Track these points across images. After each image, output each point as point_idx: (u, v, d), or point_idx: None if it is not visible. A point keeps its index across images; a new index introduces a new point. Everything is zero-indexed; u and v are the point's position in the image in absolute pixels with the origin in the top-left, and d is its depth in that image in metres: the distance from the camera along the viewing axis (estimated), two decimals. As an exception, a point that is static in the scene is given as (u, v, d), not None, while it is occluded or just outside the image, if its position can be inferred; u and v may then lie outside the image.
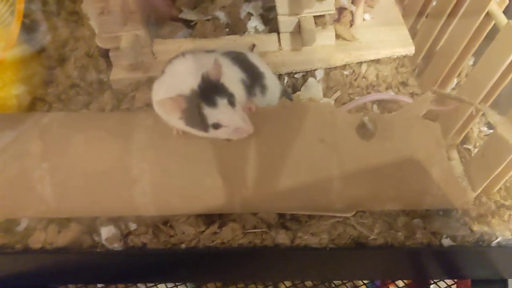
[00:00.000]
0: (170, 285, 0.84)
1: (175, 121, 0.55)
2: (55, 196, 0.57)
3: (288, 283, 0.82)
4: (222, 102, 0.52)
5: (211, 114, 0.52)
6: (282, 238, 0.62)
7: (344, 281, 0.83)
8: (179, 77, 0.55)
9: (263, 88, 0.64)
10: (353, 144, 0.56)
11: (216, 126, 0.53)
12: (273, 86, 0.67)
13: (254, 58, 0.67)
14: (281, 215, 0.66)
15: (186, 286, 0.86)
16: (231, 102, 0.53)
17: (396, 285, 0.84)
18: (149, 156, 0.57)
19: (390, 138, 0.56)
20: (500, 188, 0.66)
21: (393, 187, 0.57)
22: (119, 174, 0.57)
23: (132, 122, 0.59)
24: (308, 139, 0.56)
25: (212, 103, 0.52)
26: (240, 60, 0.61)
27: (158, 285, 0.84)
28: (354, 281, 0.86)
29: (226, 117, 0.52)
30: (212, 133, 0.54)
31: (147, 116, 0.59)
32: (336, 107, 0.72)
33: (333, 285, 0.86)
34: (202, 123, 0.53)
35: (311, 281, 0.81)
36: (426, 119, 0.59)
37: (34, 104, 0.79)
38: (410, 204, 0.60)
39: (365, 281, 0.86)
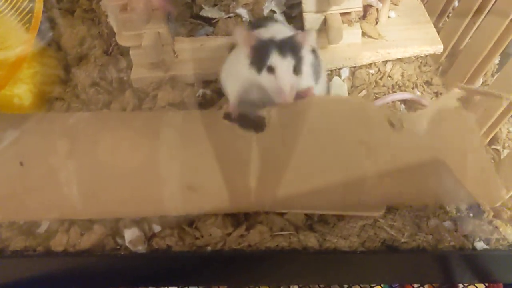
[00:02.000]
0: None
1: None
2: (82, 198, 0.55)
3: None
4: (290, 60, 0.53)
5: (275, 59, 0.53)
6: (311, 241, 0.60)
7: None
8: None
9: (319, 79, 0.63)
10: (387, 138, 0.54)
11: (270, 70, 0.53)
12: (324, 79, 0.66)
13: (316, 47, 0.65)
14: (309, 217, 0.64)
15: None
16: (295, 69, 0.54)
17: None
18: (178, 156, 0.55)
19: (423, 131, 0.55)
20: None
21: (426, 180, 0.56)
22: (148, 174, 0.55)
23: (160, 122, 0.57)
24: (345, 134, 0.54)
25: (282, 54, 0.53)
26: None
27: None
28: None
29: (283, 69, 0.53)
30: (262, 77, 0.54)
31: (175, 115, 0.58)
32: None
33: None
34: (261, 61, 0.54)
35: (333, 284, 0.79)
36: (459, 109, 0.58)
37: (52, 103, 0.78)
38: (443, 198, 0.59)
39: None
